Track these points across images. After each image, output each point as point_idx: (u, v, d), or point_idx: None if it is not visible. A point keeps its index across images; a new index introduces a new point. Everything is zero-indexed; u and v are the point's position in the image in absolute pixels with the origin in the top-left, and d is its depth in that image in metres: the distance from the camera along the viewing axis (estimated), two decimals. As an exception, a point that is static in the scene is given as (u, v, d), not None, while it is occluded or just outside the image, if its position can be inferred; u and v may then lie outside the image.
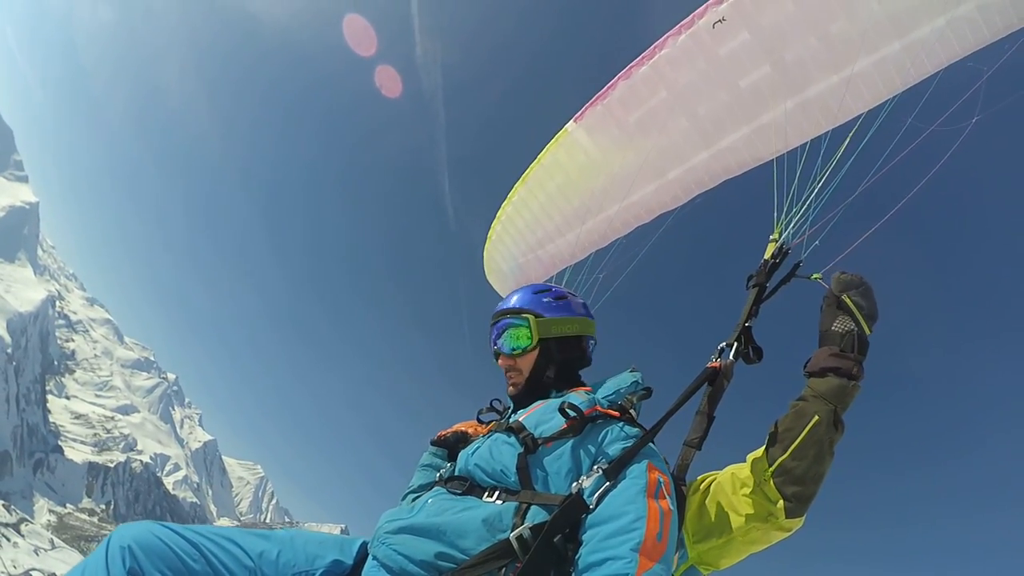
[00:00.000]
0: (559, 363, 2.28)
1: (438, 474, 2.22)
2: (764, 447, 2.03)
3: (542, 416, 2.00)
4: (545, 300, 2.33)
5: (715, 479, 2.18)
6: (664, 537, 1.58)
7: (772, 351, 2.39)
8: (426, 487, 2.28)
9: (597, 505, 1.67)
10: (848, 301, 2.05)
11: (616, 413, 1.97)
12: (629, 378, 2.14)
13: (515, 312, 2.30)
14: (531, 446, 1.86)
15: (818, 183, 2.68)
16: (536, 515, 1.73)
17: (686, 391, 2.14)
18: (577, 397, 2.04)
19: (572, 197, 4.53)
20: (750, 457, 2.08)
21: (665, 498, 1.69)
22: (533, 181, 4.64)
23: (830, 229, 2.63)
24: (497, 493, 1.84)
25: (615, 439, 1.87)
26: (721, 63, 3.30)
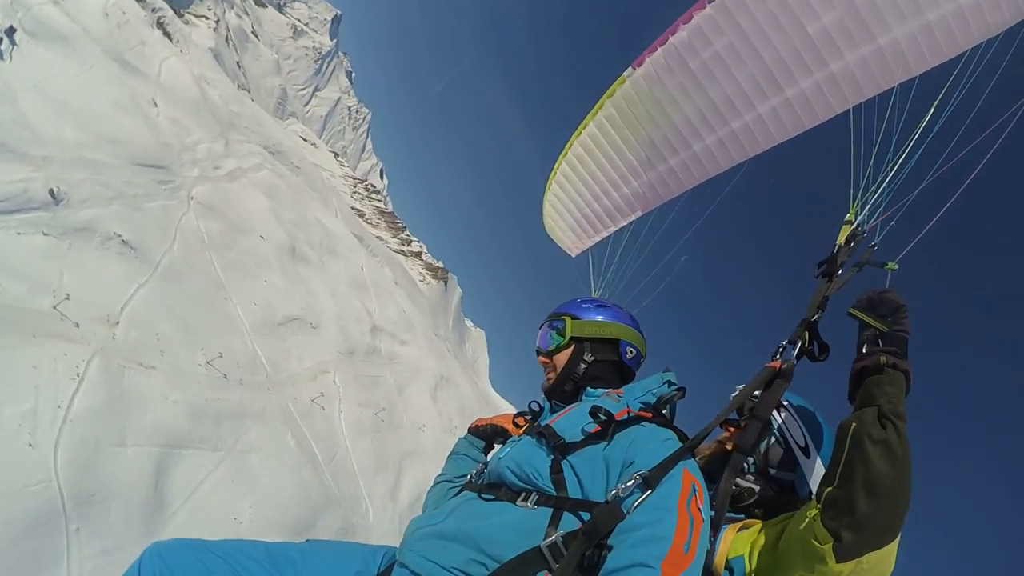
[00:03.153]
0: (590, 362, 2.26)
1: (471, 472, 2.21)
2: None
3: (572, 420, 1.95)
4: (584, 305, 2.36)
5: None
6: (692, 548, 1.51)
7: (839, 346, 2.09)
8: (459, 478, 2.33)
9: (632, 514, 1.59)
10: (855, 313, 1.86)
11: (648, 415, 1.91)
12: (660, 379, 2.09)
13: (555, 315, 2.35)
14: (561, 451, 1.82)
15: (902, 154, 2.38)
16: (569, 522, 1.69)
17: (742, 393, 2.04)
18: (609, 401, 2.00)
19: (631, 148, 4.38)
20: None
21: (698, 506, 1.61)
22: (591, 132, 4.53)
23: (909, 207, 2.34)
24: (532, 497, 1.77)
25: (645, 441, 1.80)
26: (788, 6, 2.98)
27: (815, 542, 1.57)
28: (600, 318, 2.32)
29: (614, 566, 1.48)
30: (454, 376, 15.24)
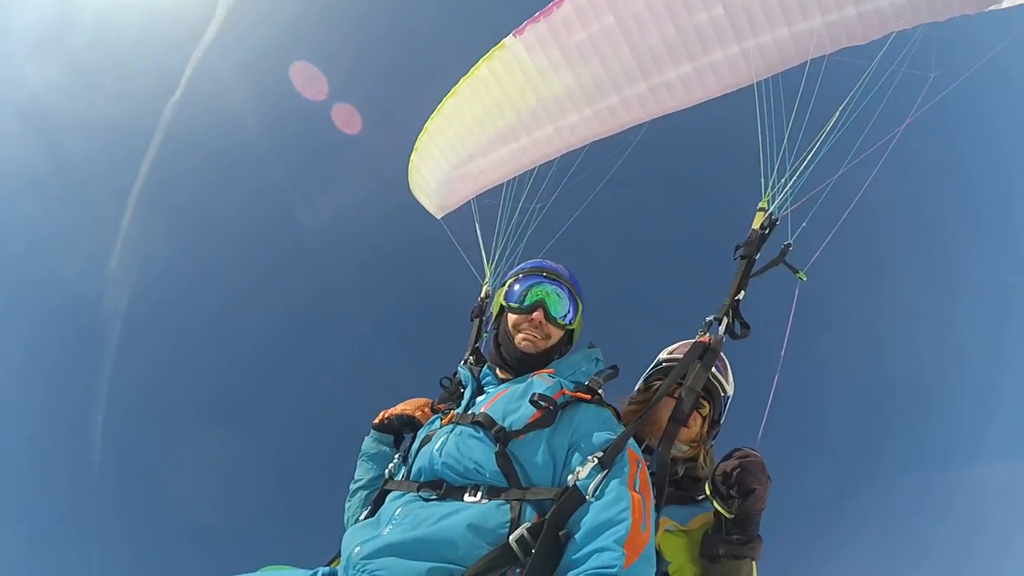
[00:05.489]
0: (560, 351, 2.25)
1: (387, 470, 2.10)
2: None
3: (509, 406, 1.90)
4: (580, 292, 2.29)
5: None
6: (648, 527, 1.57)
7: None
8: (375, 481, 2.19)
9: (592, 496, 1.62)
10: (708, 495, 2.04)
11: (586, 396, 1.92)
12: (588, 356, 2.13)
13: (573, 290, 2.23)
14: (504, 440, 1.77)
15: (808, 153, 2.66)
16: (528, 512, 1.66)
17: (678, 368, 2.16)
18: (542, 383, 1.97)
19: (505, 113, 4.46)
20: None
21: (647, 486, 1.69)
22: (465, 93, 4.48)
23: (820, 204, 2.63)
24: (480, 492, 1.71)
25: (592, 425, 1.83)
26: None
27: None
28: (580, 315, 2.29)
29: (578, 553, 1.51)
30: None
